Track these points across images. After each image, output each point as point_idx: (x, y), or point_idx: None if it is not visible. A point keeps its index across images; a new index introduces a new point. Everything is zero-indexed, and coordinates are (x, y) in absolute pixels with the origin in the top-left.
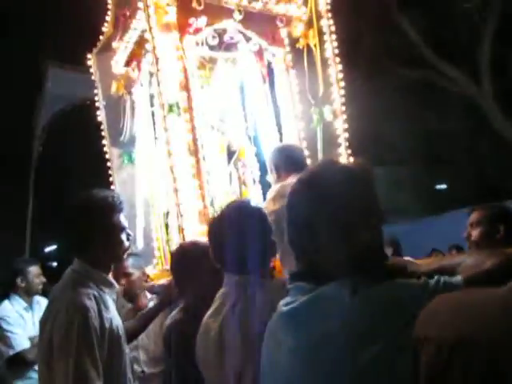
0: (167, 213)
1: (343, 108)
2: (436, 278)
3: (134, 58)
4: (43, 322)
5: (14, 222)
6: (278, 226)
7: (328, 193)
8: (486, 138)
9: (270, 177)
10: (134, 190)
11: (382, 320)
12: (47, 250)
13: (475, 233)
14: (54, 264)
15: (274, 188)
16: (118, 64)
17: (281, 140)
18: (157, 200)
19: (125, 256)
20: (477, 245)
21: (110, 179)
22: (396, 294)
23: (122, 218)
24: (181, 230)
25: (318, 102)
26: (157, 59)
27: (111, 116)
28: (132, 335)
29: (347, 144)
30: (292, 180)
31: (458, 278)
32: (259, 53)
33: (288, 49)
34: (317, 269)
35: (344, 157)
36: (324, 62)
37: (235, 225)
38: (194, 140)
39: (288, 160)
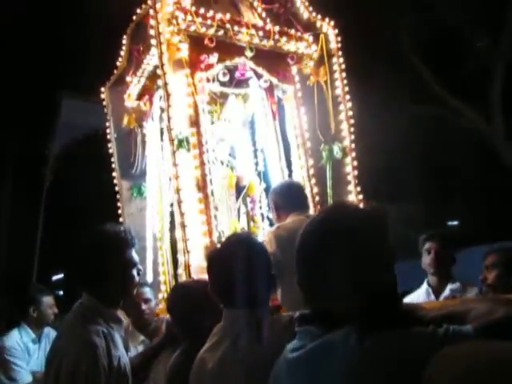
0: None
1: (353, 145)
2: (445, 326)
3: (146, 92)
4: (51, 358)
5: (24, 249)
6: (275, 268)
7: (340, 235)
8: (497, 175)
9: (271, 214)
10: (142, 223)
11: (389, 372)
12: (55, 278)
13: (491, 276)
14: (61, 293)
15: (271, 230)
16: (130, 97)
17: (290, 176)
18: (165, 234)
19: (135, 290)
20: (493, 288)
21: (119, 211)
22: (405, 345)
23: (134, 254)
24: (187, 266)
25: (327, 139)
26: (168, 95)
27: (122, 148)
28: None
29: (356, 181)
30: (290, 220)
31: (469, 328)
32: (270, 89)
33: (298, 86)
34: (327, 313)
35: (353, 194)
36: (334, 99)
37: (238, 258)
38: (203, 175)
39: (287, 199)
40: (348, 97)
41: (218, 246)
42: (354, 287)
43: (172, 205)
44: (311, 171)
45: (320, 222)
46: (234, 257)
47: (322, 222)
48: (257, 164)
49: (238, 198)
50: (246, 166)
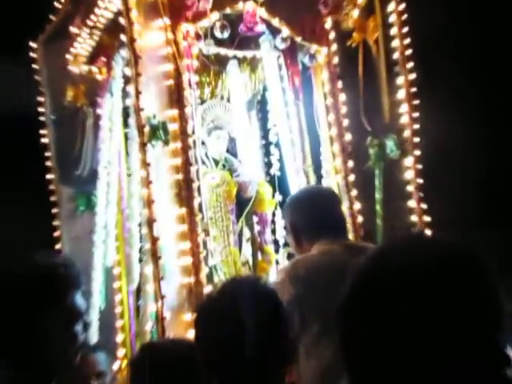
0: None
1: (417, 139)
2: None
3: (101, 52)
4: None
5: None
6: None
7: (418, 286)
8: None
9: (289, 239)
10: (91, 251)
11: None
12: None
13: None
14: None
15: (285, 267)
16: (76, 60)
17: (319, 182)
18: (130, 268)
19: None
20: None
21: (56, 233)
22: None
23: (79, 299)
24: (160, 317)
25: (377, 130)
26: (136, 58)
27: (62, 137)
28: None
29: (422, 195)
30: (316, 251)
31: None
32: (290, 52)
33: (335, 47)
34: None
35: (416, 214)
36: (390, 68)
37: (238, 316)
38: (187, 181)
39: (311, 217)
40: (411, 65)
41: (210, 292)
42: (435, 365)
43: (140, 225)
44: (351, 177)
45: (383, 261)
46: (232, 315)
47: (387, 262)
48: (269, 165)
49: (239, 216)
50: (252, 168)
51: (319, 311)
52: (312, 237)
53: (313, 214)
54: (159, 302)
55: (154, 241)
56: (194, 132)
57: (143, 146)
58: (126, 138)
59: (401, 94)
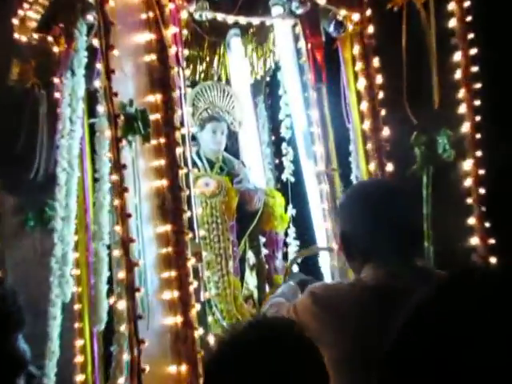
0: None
1: (478, 136)
2: None
3: (59, 16)
4: None
5: None
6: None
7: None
8: None
9: (336, 259)
10: (43, 281)
11: None
12: None
13: None
14: None
15: (307, 294)
16: (25, 27)
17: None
18: (96, 304)
19: None
20: None
21: None
22: None
23: (21, 344)
24: (136, 370)
25: (426, 123)
26: (107, 24)
27: (6, 130)
28: None
29: (484, 209)
30: (369, 274)
31: None
32: (310, 19)
33: (369, 13)
34: None
35: (477, 235)
36: (444, 40)
37: (258, 372)
38: (174, 188)
39: (369, 226)
40: (472, 36)
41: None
42: None
43: (110, 247)
44: (388, 185)
45: (440, 307)
46: (250, 371)
47: (443, 308)
48: (280, 168)
49: (241, 235)
50: (259, 173)
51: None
52: (366, 253)
53: (372, 220)
54: (135, 349)
55: (130, 267)
56: (182, 124)
57: (116, 142)
58: (93, 131)
59: (458, 75)
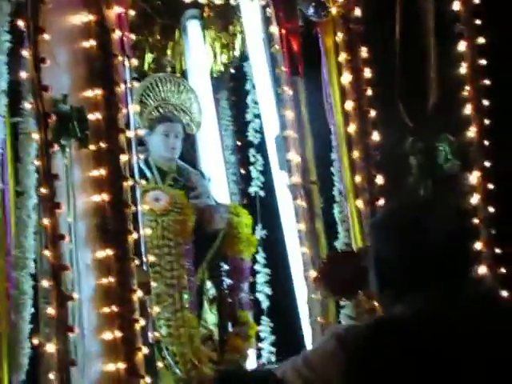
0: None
1: (487, 143)
2: None
3: None
4: None
5: None
6: None
7: None
8: None
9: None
10: None
11: None
12: None
13: None
14: None
15: (331, 335)
16: None
17: (328, 208)
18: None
19: None
20: None
21: None
22: None
23: None
24: None
25: (423, 127)
26: (35, 1)
27: None
28: None
29: (494, 232)
30: (406, 309)
31: None
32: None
33: None
34: None
35: (487, 262)
36: (445, 27)
37: None
38: (117, 204)
39: (414, 252)
40: (480, 22)
41: None
42: None
43: (35, 277)
44: (381, 202)
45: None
46: None
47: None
48: (247, 179)
49: (199, 262)
50: (220, 185)
51: None
52: (405, 282)
53: (417, 245)
54: None
55: (62, 302)
56: (128, 126)
57: (46, 146)
58: (16, 133)
59: (462, 69)
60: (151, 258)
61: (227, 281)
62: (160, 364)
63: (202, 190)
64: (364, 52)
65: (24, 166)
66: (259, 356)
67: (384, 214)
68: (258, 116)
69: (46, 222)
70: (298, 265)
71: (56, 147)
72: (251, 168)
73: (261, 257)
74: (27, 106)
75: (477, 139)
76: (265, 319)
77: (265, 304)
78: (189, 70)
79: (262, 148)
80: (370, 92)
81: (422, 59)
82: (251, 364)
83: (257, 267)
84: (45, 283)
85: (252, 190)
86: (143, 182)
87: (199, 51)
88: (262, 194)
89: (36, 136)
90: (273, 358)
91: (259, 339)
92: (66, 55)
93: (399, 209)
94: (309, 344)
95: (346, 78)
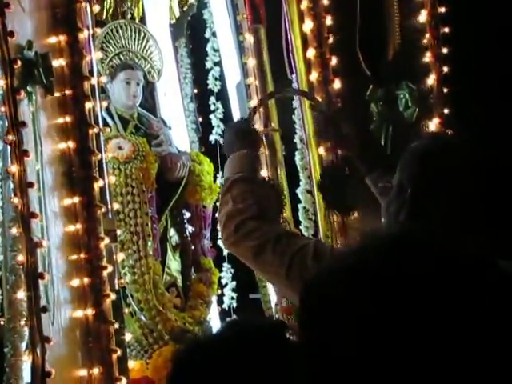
0: None
1: (446, 90)
2: None
3: None
4: None
5: None
6: None
7: None
8: None
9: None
10: None
11: None
12: None
13: None
14: None
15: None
16: None
17: (291, 155)
18: None
19: None
20: None
21: None
22: None
23: None
24: (39, 375)
25: (383, 74)
26: None
27: None
28: None
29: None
30: None
31: None
32: None
33: None
34: None
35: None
36: None
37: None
38: (83, 151)
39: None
40: None
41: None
42: None
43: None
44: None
45: None
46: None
47: None
48: (206, 127)
49: (162, 210)
50: (180, 133)
51: None
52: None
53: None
54: (38, 347)
55: (32, 249)
56: (91, 73)
57: (13, 93)
58: None
59: (422, 17)
60: (115, 206)
61: (189, 228)
62: (125, 311)
63: (164, 137)
64: None
65: None
66: (221, 302)
67: (423, 144)
68: (217, 64)
69: (14, 169)
70: None
71: (23, 94)
72: (211, 116)
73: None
74: None
75: (436, 87)
76: (226, 265)
77: (226, 251)
78: (147, 16)
79: (222, 96)
80: (331, 40)
81: (382, 6)
82: (214, 310)
83: (218, 215)
84: (13, 231)
85: (212, 137)
86: (106, 129)
87: None
88: (222, 141)
89: (1, 82)
90: (234, 304)
91: (221, 285)
92: (28, 1)
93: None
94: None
95: (308, 25)
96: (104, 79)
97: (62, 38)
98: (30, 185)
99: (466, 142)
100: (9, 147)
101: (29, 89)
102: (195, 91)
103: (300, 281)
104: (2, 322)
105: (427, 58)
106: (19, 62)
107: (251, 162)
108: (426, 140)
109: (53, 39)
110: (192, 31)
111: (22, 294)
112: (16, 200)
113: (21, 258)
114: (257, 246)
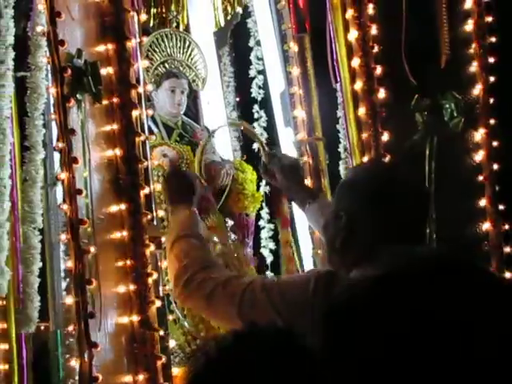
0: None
1: (492, 100)
2: None
3: None
4: None
5: None
6: None
7: None
8: None
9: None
10: None
11: None
12: None
13: None
14: None
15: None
16: None
17: (335, 163)
18: (25, 299)
19: None
20: None
21: None
22: None
23: None
24: (87, 381)
25: (429, 84)
26: None
27: None
28: None
29: (498, 188)
30: (359, 274)
31: None
32: None
33: None
34: None
35: (489, 220)
36: None
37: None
38: (129, 159)
39: (382, 210)
40: None
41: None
42: None
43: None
44: (386, 160)
45: None
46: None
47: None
48: (247, 136)
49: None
50: (223, 141)
51: None
52: (378, 241)
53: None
54: (85, 353)
55: (79, 255)
56: (138, 81)
57: (63, 102)
58: (24, 87)
59: (469, 26)
60: (160, 213)
61: (232, 236)
62: (169, 317)
63: (208, 146)
64: (371, 8)
65: (32, 120)
66: None
67: (356, 175)
68: (261, 72)
69: (63, 176)
70: (303, 220)
71: (72, 102)
72: (255, 124)
73: (265, 212)
74: (33, 60)
75: (482, 97)
76: (269, 274)
77: (269, 259)
78: (191, 25)
79: (265, 105)
80: (376, 49)
81: (431, 16)
82: None
83: (261, 223)
84: (63, 237)
85: (255, 146)
86: (151, 138)
87: (202, 5)
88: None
89: (52, 90)
90: None
91: None
92: (77, 10)
93: (372, 170)
94: None
95: (353, 34)
96: (150, 87)
97: (110, 46)
98: (79, 191)
99: (392, 170)
100: (58, 154)
101: (78, 97)
102: (237, 99)
103: (251, 314)
104: (43, 327)
105: (473, 67)
106: (69, 71)
107: (186, 217)
108: (358, 171)
109: (101, 48)
110: (235, 40)
111: (70, 300)
112: (65, 206)
113: (69, 264)
114: (208, 294)
